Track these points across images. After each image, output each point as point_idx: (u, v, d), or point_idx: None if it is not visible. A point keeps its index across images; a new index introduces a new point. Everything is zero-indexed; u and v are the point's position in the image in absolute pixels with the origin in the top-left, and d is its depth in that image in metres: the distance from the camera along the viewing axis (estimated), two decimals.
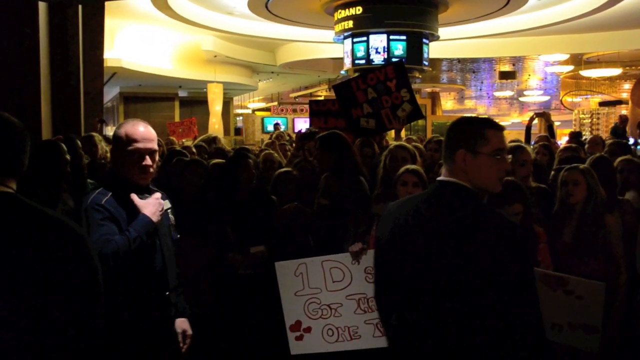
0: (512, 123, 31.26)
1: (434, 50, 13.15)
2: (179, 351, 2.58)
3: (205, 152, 5.78)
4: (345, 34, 11.93)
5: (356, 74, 9.03)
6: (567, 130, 18.89)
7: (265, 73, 19.71)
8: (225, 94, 19.17)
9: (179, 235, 2.72)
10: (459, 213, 1.83)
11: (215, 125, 18.17)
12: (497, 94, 24.22)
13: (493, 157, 1.85)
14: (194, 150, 5.86)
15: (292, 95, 25.12)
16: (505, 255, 1.74)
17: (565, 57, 16.51)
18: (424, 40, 11.96)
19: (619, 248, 3.26)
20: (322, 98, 18.48)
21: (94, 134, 5.67)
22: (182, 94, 20.23)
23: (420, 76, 13.14)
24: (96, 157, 5.10)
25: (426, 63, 12.17)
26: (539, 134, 7.65)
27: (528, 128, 6.99)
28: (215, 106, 18.47)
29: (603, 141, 6.53)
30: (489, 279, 1.73)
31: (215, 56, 16.07)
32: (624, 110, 16.27)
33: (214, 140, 6.72)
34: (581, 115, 18.53)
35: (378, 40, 11.69)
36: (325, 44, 15.00)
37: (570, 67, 17.78)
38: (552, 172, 3.93)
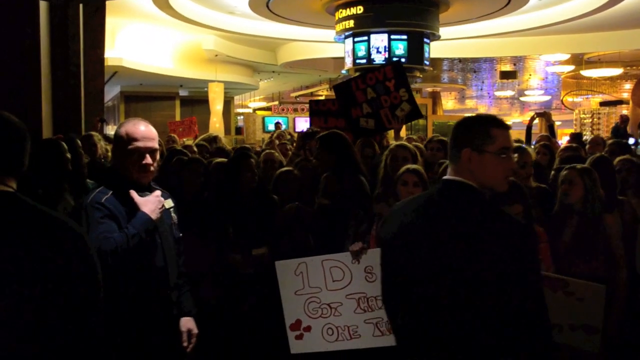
0: (513, 123, 31.17)
1: (435, 49, 13.15)
2: (183, 350, 2.57)
3: (206, 152, 5.79)
4: (346, 33, 11.93)
5: (357, 74, 9.03)
6: (568, 130, 18.93)
7: (266, 72, 19.71)
8: (226, 93, 19.16)
9: (181, 234, 2.72)
10: (466, 212, 1.82)
11: (216, 125, 18.16)
12: (498, 93, 24.20)
13: (499, 156, 1.84)
14: (195, 149, 5.86)
15: (293, 94, 25.10)
16: (514, 254, 1.73)
17: (566, 57, 16.50)
18: (425, 39, 11.96)
19: (619, 248, 3.26)
20: (322, 98, 18.51)
21: (93, 133, 5.66)
22: (183, 93, 20.21)
23: (421, 76, 13.14)
24: (95, 157, 5.11)
25: (427, 63, 12.16)
26: (540, 134, 7.64)
27: (529, 128, 6.98)
28: (216, 105, 18.46)
29: (604, 141, 6.51)
30: (497, 278, 1.73)
31: (216, 55, 16.07)
32: (624, 110, 16.25)
33: (214, 139, 6.71)
34: (582, 115, 18.48)
35: (379, 40, 11.68)
36: (326, 44, 14.99)
37: (571, 67, 17.78)
38: (553, 172, 3.93)
